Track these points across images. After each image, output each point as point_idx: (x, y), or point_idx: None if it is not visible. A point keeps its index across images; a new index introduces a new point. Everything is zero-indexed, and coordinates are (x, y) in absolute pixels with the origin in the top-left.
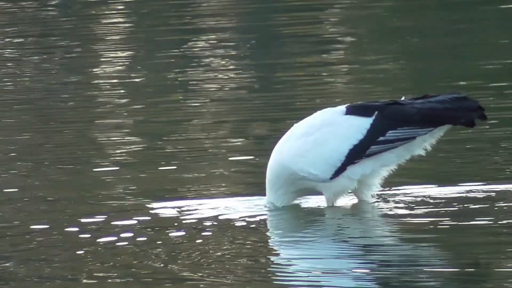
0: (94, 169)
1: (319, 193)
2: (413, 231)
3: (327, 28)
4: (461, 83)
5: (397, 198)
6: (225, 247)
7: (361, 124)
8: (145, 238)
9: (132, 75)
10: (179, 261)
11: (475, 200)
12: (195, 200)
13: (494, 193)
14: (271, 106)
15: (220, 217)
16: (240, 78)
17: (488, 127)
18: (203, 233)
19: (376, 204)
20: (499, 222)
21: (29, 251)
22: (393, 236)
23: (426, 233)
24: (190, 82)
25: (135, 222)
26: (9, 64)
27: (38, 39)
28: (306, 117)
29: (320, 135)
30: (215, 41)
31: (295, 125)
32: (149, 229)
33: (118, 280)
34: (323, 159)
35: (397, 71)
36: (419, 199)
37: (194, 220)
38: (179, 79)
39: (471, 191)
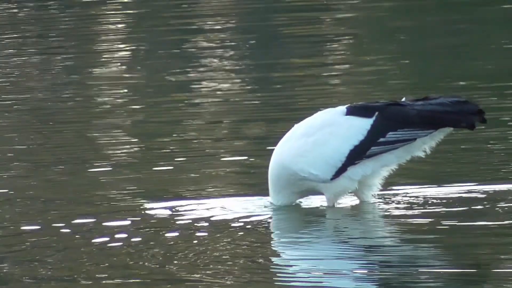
0: (91, 170)
1: (320, 193)
2: (413, 232)
3: (327, 28)
4: (461, 83)
5: (397, 199)
6: (223, 248)
7: (362, 125)
8: (142, 239)
9: (131, 75)
10: (176, 262)
11: (475, 201)
12: (193, 200)
13: (494, 193)
14: (270, 106)
15: (218, 218)
16: (240, 78)
17: (488, 127)
18: (201, 234)
19: (376, 204)
20: (500, 223)
21: (24, 251)
22: (393, 237)
23: (426, 233)
24: (190, 82)
25: (133, 222)
26: (8, 64)
27: (38, 39)
28: (306, 117)
29: (320, 135)
30: (214, 41)
31: (295, 125)
32: (146, 230)
33: (114, 281)
34: (323, 160)
35: (397, 71)
36: (419, 199)
37: (192, 221)
38: (178, 79)
39: (471, 191)
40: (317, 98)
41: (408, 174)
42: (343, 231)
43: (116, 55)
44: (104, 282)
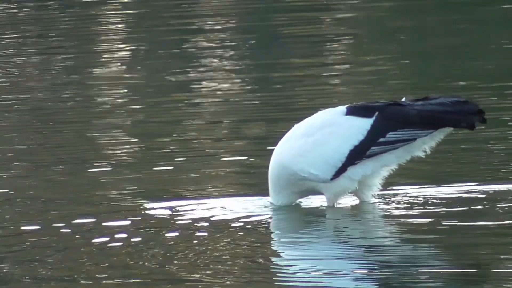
0: (91, 170)
1: (320, 193)
2: (413, 232)
3: (327, 28)
4: (461, 83)
5: (397, 199)
6: (223, 248)
7: (362, 125)
8: (142, 239)
9: (131, 75)
10: (176, 262)
11: (475, 201)
12: (193, 200)
13: (494, 193)
14: (270, 106)
15: (218, 218)
16: (240, 78)
17: (488, 127)
18: (201, 234)
19: (376, 204)
20: (500, 223)
21: (23, 251)
22: (393, 237)
23: (426, 233)
24: (190, 82)
25: (133, 222)
26: (8, 64)
27: (38, 39)
28: (306, 117)
29: (320, 135)
30: (214, 41)
31: (295, 125)
32: (146, 230)
33: (114, 281)
34: (323, 160)
35: (397, 71)
36: (419, 199)
37: (192, 221)
38: (178, 79)
39: (471, 191)
40: (317, 98)
41: (408, 174)
42: (343, 231)
43: (116, 55)
44: (104, 282)
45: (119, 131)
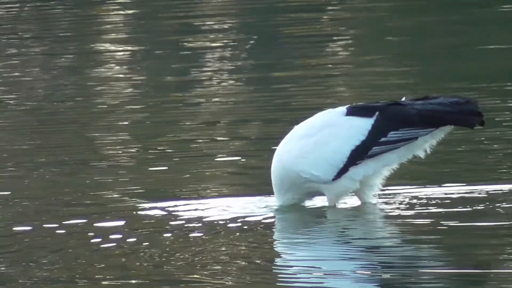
0: (90, 170)
1: (322, 194)
2: (414, 232)
3: (327, 28)
4: (461, 83)
5: (398, 199)
6: (222, 248)
7: (362, 125)
8: (139, 239)
9: (131, 75)
10: (174, 263)
11: (475, 201)
12: (192, 200)
13: (494, 194)
14: (270, 106)
15: (217, 218)
16: (240, 78)
17: (488, 128)
18: (199, 234)
19: (377, 205)
20: (501, 223)
21: (20, 252)
22: (394, 237)
23: (427, 234)
24: (189, 82)
25: (131, 223)
26: (8, 64)
27: (38, 39)
28: (306, 117)
29: (321, 136)
30: (214, 41)
31: (295, 126)
32: (143, 230)
33: (112, 282)
34: (324, 160)
35: (397, 71)
36: (420, 200)
37: (191, 221)
38: (178, 79)
39: (471, 191)
40: (317, 98)
41: (408, 174)
42: (344, 232)
43: (116, 55)
44: (102, 283)
45: (118, 131)
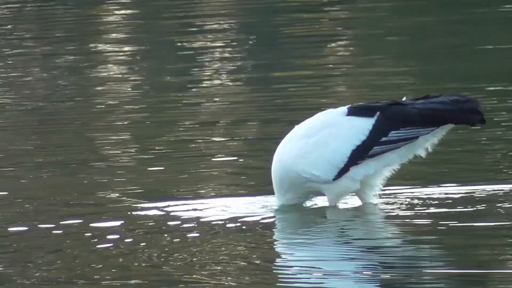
0: (89, 170)
1: (323, 194)
2: (415, 233)
3: (327, 28)
4: (461, 83)
5: (399, 199)
6: (221, 249)
7: (363, 125)
8: (139, 240)
9: (131, 75)
10: (173, 263)
11: (476, 201)
12: (190, 200)
13: (495, 194)
14: (270, 106)
15: (217, 218)
16: (240, 78)
17: (488, 128)
18: (198, 234)
19: (378, 205)
20: (501, 223)
21: (18, 252)
22: (395, 238)
23: (427, 234)
24: (189, 82)
25: (130, 223)
26: (8, 64)
27: (38, 39)
28: (306, 117)
29: (321, 136)
30: (214, 41)
31: (296, 126)
32: (142, 230)
33: (111, 282)
34: (325, 160)
35: (397, 71)
36: (420, 200)
37: (189, 221)
38: (178, 79)
39: (471, 192)
40: (317, 98)
41: (409, 174)
42: (344, 232)
43: (116, 55)
44: (101, 283)
45: (118, 131)
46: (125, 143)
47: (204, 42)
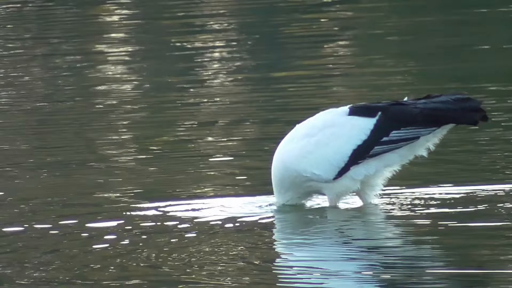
0: (87, 170)
1: (323, 194)
2: (415, 233)
3: (327, 28)
4: (461, 83)
5: (398, 200)
6: (222, 249)
7: (365, 125)
8: (136, 240)
9: (131, 75)
10: (172, 263)
11: (476, 201)
12: (189, 200)
13: (495, 194)
14: (270, 106)
15: (216, 218)
16: (240, 78)
17: (488, 128)
18: (197, 235)
19: (378, 205)
20: (502, 224)
21: (14, 253)
22: (395, 238)
23: (428, 234)
24: (189, 82)
25: (128, 223)
26: (8, 64)
27: (37, 39)
28: (307, 117)
29: (323, 135)
30: (215, 41)
31: (297, 125)
32: (140, 231)
33: (109, 283)
34: (326, 160)
35: (397, 71)
36: (420, 200)
37: (188, 222)
38: (178, 79)
39: (472, 192)
40: (317, 98)
41: (409, 175)
42: (344, 232)
43: (116, 55)
44: (99, 283)
45: (117, 131)
46: (125, 143)
47: (204, 42)
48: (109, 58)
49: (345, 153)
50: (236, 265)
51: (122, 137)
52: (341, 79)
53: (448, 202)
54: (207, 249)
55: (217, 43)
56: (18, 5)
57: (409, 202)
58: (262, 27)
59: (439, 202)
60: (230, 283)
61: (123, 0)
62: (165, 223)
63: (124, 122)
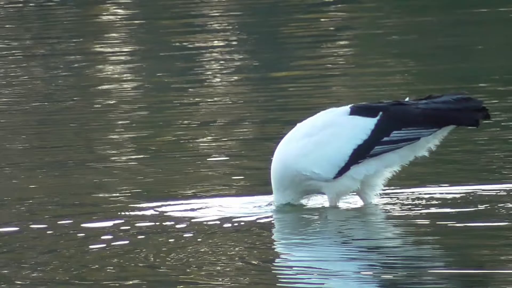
0: (86, 170)
1: (322, 193)
2: (415, 233)
3: (327, 29)
4: (461, 83)
5: (398, 200)
6: (221, 249)
7: (366, 124)
8: (135, 240)
9: (131, 75)
10: (171, 263)
11: (476, 201)
12: (188, 200)
13: (495, 194)
14: (270, 106)
15: (215, 218)
16: (240, 78)
17: (488, 128)
18: (196, 235)
19: (378, 205)
20: (502, 223)
21: (11, 253)
22: (395, 238)
23: (428, 234)
24: (189, 82)
25: (127, 223)
26: (8, 64)
27: (37, 39)
28: (307, 117)
29: (323, 135)
30: (215, 41)
31: (298, 124)
32: (139, 231)
33: (107, 283)
34: (326, 159)
35: (397, 71)
36: (420, 200)
37: (187, 222)
38: (178, 79)
39: (472, 192)
40: (317, 98)
41: (409, 174)
42: (344, 232)
43: (116, 55)
44: (97, 284)
45: (117, 131)
46: (124, 143)
47: (204, 42)
48: (109, 58)
49: (345, 153)
50: (234, 265)
51: (121, 137)
52: (340, 79)
53: (448, 202)
54: (205, 249)
55: (217, 43)
56: (19, 5)
57: (409, 202)
58: (262, 27)
59: (439, 202)
60: (228, 283)
61: (123, 0)
62: (163, 223)
63: (123, 122)
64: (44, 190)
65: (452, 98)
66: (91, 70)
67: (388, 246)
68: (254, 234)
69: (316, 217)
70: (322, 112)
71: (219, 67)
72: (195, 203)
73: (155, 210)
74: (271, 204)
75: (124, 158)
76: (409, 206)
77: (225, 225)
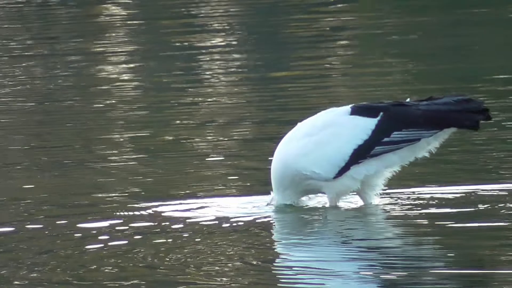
0: (85, 170)
1: (322, 193)
2: (415, 233)
3: (327, 29)
4: (461, 83)
5: (399, 200)
6: (220, 249)
7: (366, 125)
8: (133, 240)
9: (131, 75)
10: (169, 264)
11: (476, 201)
12: (188, 200)
13: (495, 194)
14: (269, 106)
15: (214, 218)
16: (239, 79)
17: (488, 128)
18: (195, 235)
19: (378, 205)
20: (502, 223)
21: (9, 253)
22: (395, 238)
23: (428, 234)
24: (189, 82)
25: (126, 223)
26: (8, 64)
27: (37, 39)
28: (306, 117)
29: (324, 134)
30: (214, 41)
31: (298, 124)
32: (137, 231)
33: (106, 283)
34: (326, 159)
35: (397, 71)
36: (420, 200)
37: (186, 221)
38: (178, 79)
39: (472, 192)
40: (317, 98)
41: (409, 175)
42: (344, 232)
43: (116, 55)
44: (96, 284)
45: (117, 131)
46: (123, 142)
47: (204, 42)
48: (109, 58)
49: (346, 152)
50: (233, 265)
51: (121, 136)
52: (340, 79)
53: (448, 202)
54: (204, 249)
55: (217, 43)
56: (19, 5)
57: (409, 202)
58: (262, 27)
59: (439, 202)
60: (227, 284)
61: (123, 0)
62: (162, 223)
63: (123, 122)
64: (43, 189)
65: (453, 99)
66: (91, 70)
67: (388, 246)
68: (253, 234)
69: (316, 217)
70: (322, 112)
71: (219, 67)
72: (194, 203)
73: (153, 210)
74: (270, 204)
75: (123, 158)
76: (409, 206)
77: (224, 225)
